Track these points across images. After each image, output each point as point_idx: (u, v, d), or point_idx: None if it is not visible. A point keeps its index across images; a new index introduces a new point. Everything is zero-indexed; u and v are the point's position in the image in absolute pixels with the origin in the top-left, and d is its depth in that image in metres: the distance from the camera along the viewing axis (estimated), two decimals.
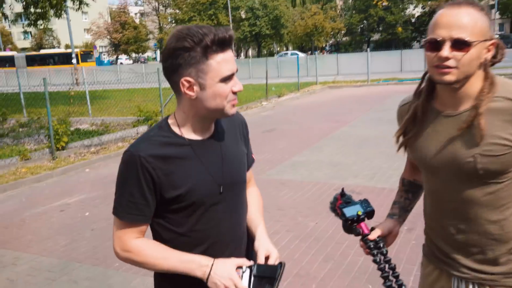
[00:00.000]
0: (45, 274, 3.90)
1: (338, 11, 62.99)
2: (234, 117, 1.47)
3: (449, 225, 1.46)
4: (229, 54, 1.32)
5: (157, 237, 1.43)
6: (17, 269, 4.03)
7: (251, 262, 1.37)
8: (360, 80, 19.86)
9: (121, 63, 51.78)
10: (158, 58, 66.53)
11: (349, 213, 1.49)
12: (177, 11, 58.66)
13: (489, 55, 1.33)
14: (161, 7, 66.14)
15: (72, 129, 9.70)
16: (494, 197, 1.37)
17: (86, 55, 41.20)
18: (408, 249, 3.84)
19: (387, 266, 1.44)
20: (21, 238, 4.75)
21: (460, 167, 1.37)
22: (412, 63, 22.35)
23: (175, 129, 1.39)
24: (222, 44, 1.29)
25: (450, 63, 1.28)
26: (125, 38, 56.76)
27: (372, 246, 1.48)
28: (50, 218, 5.32)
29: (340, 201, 1.54)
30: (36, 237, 4.75)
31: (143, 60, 60.01)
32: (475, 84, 1.35)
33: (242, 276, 1.31)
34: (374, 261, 1.46)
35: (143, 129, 10.19)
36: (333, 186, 5.70)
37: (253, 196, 1.65)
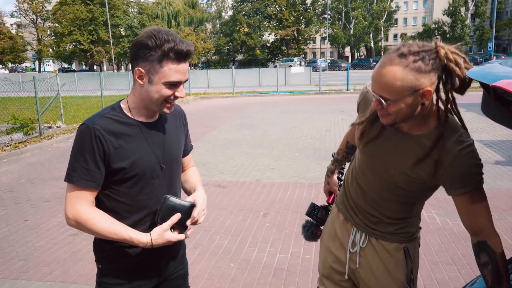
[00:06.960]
0: None
1: (208, 34, 63.63)
2: (176, 109, 1.56)
3: (365, 205, 1.56)
4: (182, 66, 1.33)
5: (100, 205, 1.42)
6: None
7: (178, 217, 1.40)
8: (226, 92, 20.28)
9: None
10: (37, 69, 59.15)
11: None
12: (57, 24, 52.97)
13: (425, 100, 1.25)
14: (39, 20, 58.93)
15: None
16: (399, 199, 1.50)
17: None
18: (263, 230, 4.00)
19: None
20: None
21: (390, 176, 1.43)
22: (268, 79, 23.67)
23: (126, 111, 1.41)
24: (178, 55, 1.30)
25: (383, 110, 1.29)
26: (0, 48, 49.34)
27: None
28: None
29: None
30: None
31: (20, 70, 52.60)
32: (423, 117, 1.33)
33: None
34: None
35: (17, 136, 8.90)
36: (202, 182, 5.65)
37: (194, 171, 1.76)
